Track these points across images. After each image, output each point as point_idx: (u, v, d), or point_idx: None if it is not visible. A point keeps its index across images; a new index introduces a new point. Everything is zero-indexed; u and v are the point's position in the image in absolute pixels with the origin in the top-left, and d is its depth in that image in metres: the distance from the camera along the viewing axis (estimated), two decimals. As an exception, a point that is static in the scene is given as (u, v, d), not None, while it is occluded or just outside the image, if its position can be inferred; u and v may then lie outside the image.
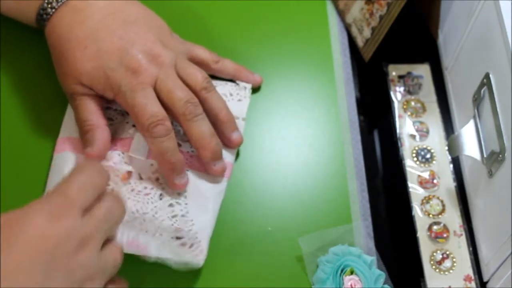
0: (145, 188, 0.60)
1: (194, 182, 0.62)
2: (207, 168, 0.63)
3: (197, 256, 0.59)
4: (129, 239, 0.58)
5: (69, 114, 0.66)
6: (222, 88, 0.68)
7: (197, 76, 0.62)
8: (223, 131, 0.63)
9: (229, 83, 0.69)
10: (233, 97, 0.67)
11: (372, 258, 0.61)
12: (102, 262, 0.49)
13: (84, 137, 0.61)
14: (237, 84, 0.69)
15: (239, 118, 0.66)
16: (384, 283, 0.60)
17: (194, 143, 0.61)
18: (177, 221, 0.59)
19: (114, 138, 0.63)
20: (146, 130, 0.59)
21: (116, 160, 0.62)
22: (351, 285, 0.59)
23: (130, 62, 0.60)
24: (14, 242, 0.45)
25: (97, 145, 0.61)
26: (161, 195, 0.61)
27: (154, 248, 0.58)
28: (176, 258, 0.58)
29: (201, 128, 0.61)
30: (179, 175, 0.61)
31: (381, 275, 0.60)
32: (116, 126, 0.64)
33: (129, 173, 0.61)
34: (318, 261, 0.61)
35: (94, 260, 0.48)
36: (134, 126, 0.63)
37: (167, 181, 0.61)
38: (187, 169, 0.62)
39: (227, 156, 0.64)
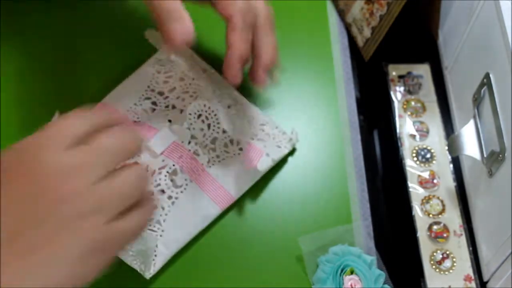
0: (152, 183, 0.61)
1: (190, 196, 0.62)
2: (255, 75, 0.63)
3: (145, 271, 0.59)
4: None
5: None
6: (268, 127, 0.67)
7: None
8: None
9: (276, 129, 0.68)
10: (275, 141, 0.66)
11: (372, 258, 0.61)
12: (106, 191, 0.44)
13: (171, 27, 0.56)
14: (284, 133, 0.67)
15: (269, 156, 0.64)
16: (384, 283, 0.60)
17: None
18: (150, 226, 0.60)
19: (144, 123, 0.63)
20: (237, 13, 0.58)
21: None
22: (351, 285, 0.59)
23: None
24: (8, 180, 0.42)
25: (187, 21, 0.56)
26: (162, 191, 0.61)
27: None
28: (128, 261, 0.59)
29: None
30: (242, 69, 0.60)
31: (381, 275, 0.60)
32: (150, 116, 0.64)
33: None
34: (318, 261, 0.61)
35: (86, 193, 0.43)
36: (170, 121, 0.64)
37: (228, 72, 0.60)
38: (190, 180, 0.62)
39: (232, 189, 0.64)
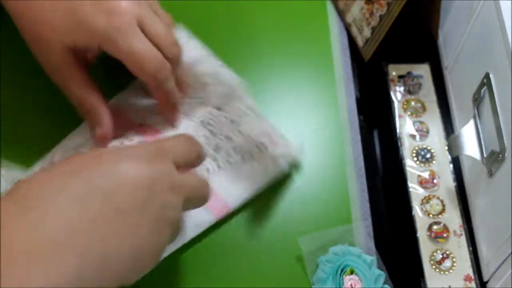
0: None
1: None
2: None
3: None
4: None
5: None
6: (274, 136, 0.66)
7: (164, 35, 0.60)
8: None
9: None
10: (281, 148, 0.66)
11: (372, 258, 0.61)
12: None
13: (86, 117, 0.60)
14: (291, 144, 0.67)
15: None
16: (384, 283, 0.60)
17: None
18: None
19: (149, 125, 0.63)
20: (152, 77, 0.58)
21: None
22: (351, 285, 0.59)
23: (108, 4, 0.55)
24: (103, 183, 0.45)
25: (105, 125, 0.59)
26: None
27: None
28: None
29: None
30: (177, 110, 0.62)
31: (381, 275, 0.60)
32: (156, 118, 0.64)
33: None
34: (318, 261, 0.61)
35: (178, 208, 0.49)
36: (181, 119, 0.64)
37: (171, 120, 0.62)
38: None
39: (230, 199, 0.63)
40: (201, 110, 0.63)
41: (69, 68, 0.59)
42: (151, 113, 0.65)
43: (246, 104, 0.66)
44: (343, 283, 0.59)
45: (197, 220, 0.61)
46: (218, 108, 0.63)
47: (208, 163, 0.63)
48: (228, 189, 0.63)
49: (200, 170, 0.62)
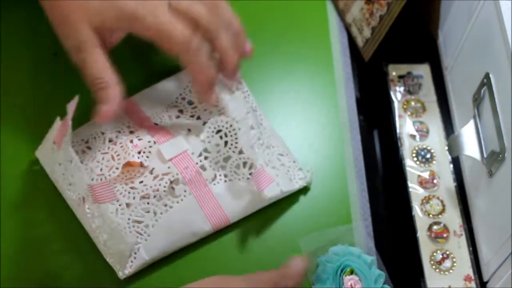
0: (151, 187, 0.60)
1: (185, 208, 0.61)
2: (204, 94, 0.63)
3: (119, 270, 0.60)
4: None
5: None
6: (286, 159, 0.66)
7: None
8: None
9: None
10: (289, 174, 0.65)
11: (372, 258, 0.61)
12: None
13: (97, 94, 0.60)
14: (300, 169, 0.66)
15: (279, 186, 0.63)
16: (384, 283, 0.60)
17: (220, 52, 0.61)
18: (137, 227, 0.60)
19: (163, 127, 0.63)
20: (184, 49, 0.58)
21: (142, 144, 0.62)
22: (351, 285, 0.59)
23: None
24: None
25: (112, 104, 0.59)
26: (160, 197, 0.61)
27: None
28: None
29: (226, 42, 0.61)
30: (213, 90, 0.61)
31: (381, 275, 0.60)
32: (172, 122, 0.65)
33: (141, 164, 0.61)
34: (318, 261, 0.61)
35: None
36: (189, 130, 0.64)
37: (206, 98, 0.62)
38: (190, 193, 0.61)
39: (229, 213, 0.63)
40: (220, 118, 0.63)
41: (92, 48, 0.59)
42: (170, 116, 0.65)
43: (265, 125, 0.66)
44: (343, 283, 0.59)
45: (194, 228, 0.61)
46: (235, 118, 0.62)
47: (216, 170, 0.62)
48: (231, 204, 0.62)
49: (206, 175, 0.62)
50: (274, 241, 0.63)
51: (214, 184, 0.62)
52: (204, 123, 0.64)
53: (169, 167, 0.61)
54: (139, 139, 0.62)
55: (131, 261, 0.59)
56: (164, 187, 0.61)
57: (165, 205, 0.61)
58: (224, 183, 0.63)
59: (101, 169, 0.60)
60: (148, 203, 0.60)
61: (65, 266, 0.61)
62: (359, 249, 0.61)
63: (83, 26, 0.59)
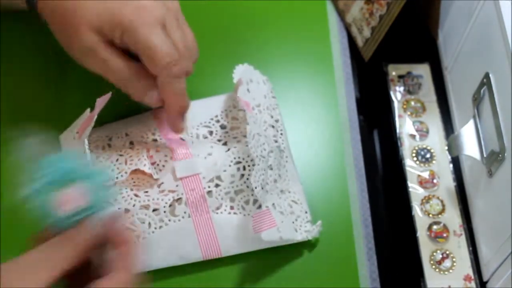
0: (153, 199, 0.60)
1: (180, 229, 0.60)
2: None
3: None
4: None
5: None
6: (297, 208, 0.64)
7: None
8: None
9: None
10: (295, 223, 0.63)
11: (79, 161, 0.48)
12: None
13: (132, 86, 0.60)
14: (309, 221, 0.64)
15: (280, 232, 0.60)
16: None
17: (173, 95, 0.60)
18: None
19: (185, 144, 0.63)
20: (164, 72, 0.58)
21: (158, 157, 0.62)
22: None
23: (138, 1, 0.58)
24: None
25: (156, 99, 0.60)
26: (157, 210, 0.60)
27: None
28: None
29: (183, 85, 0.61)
30: (182, 119, 0.61)
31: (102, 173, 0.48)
32: (197, 141, 0.64)
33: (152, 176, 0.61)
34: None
35: None
36: (209, 154, 0.62)
37: (173, 125, 0.61)
38: (189, 216, 0.60)
39: (223, 246, 0.61)
40: (243, 150, 0.62)
41: (103, 46, 0.59)
42: (197, 135, 0.65)
43: (288, 168, 0.65)
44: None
45: (183, 252, 0.60)
46: (258, 156, 0.60)
47: (223, 200, 0.61)
48: (228, 237, 0.61)
49: (210, 202, 0.61)
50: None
51: (217, 213, 0.61)
52: (228, 150, 0.63)
53: (177, 185, 0.61)
54: (156, 151, 0.62)
55: None
56: (166, 203, 0.60)
57: (162, 221, 0.60)
58: (228, 214, 0.61)
59: (112, 170, 0.60)
60: (145, 214, 0.60)
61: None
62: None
63: (85, 29, 0.59)
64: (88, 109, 0.61)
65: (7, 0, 0.66)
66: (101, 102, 0.59)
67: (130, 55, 0.60)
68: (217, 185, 0.61)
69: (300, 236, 0.62)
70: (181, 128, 0.62)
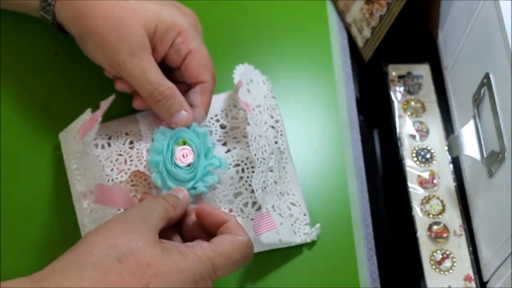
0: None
1: None
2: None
3: None
4: None
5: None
6: (297, 210, 0.64)
7: None
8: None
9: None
10: (294, 225, 0.63)
11: (204, 130, 0.61)
12: None
13: (166, 103, 0.60)
14: (308, 224, 0.64)
15: (279, 235, 0.61)
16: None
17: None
18: None
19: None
20: (212, 78, 0.63)
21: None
22: (183, 155, 0.59)
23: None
24: None
25: (189, 109, 0.61)
26: None
27: None
28: None
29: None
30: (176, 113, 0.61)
31: (214, 144, 0.61)
32: None
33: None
34: (154, 133, 0.61)
35: None
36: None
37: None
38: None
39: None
40: (242, 152, 0.62)
41: (148, 54, 0.60)
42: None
43: (288, 169, 0.65)
44: (175, 153, 0.59)
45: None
46: (259, 159, 0.60)
47: (221, 203, 0.61)
48: None
49: (206, 201, 0.61)
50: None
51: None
52: (228, 151, 0.63)
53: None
54: None
55: None
56: None
57: None
58: None
59: (111, 169, 0.60)
60: None
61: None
62: (194, 123, 0.62)
63: (139, 29, 0.59)
64: (89, 109, 0.61)
65: (18, 8, 0.67)
66: (105, 103, 0.59)
67: None
68: (215, 188, 0.61)
69: (299, 239, 0.62)
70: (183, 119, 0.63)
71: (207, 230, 0.55)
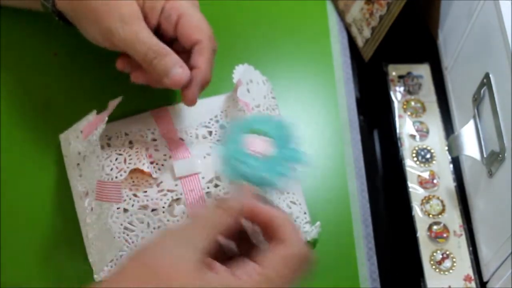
0: (152, 199, 0.60)
1: None
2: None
3: (95, 271, 0.59)
4: None
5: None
6: (296, 209, 0.64)
7: None
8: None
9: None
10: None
11: (279, 121, 0.56)
12: None
13: (161, 60, 0.59)
14: (308, 222, 0.64)
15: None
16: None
17: None
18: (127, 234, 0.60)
19: (184, 144, 0.63)
20: (209, 39, 0.62)
21: (157, 156, 0.61)
22: (256, 145, 0.54)
23: None
24: None
25: (185, 66, 0.60)
26: (156, 210, 0.60)
27: None
28: None
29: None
30: (189, 87, 0.60)
31: (292, 137, 0.55)
32: (196, 141, 0.64)
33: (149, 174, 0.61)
34: (227, 125, 0.59)
35: None
36: (208, 154, 0.62)
37: (192, 95, 0.60)
38: (187, 216, 0.60)
39: None
40: None
41: (139, 20, 0.60)
42: (197, 135, 0.64)
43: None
44: (244, 142, 0.54)
45: None
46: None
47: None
48: None
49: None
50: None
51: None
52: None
53: (176, 185, 0.60)
54: (155, 150, 0.62)
55: (111, 266, 0.59)
56: (165, 203, 0.60)
57: (160, 221, 0.60)
58: None
59: (111, 169, 0.60)
60: (144, 214, 0.60)
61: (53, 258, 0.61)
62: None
63: None
64: (95, 111, 0.61)
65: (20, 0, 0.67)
66: (113, 103, 0.59)
67: None
68: (216, 185, 0.61)
69: None
70: (196, 100, 0.61)
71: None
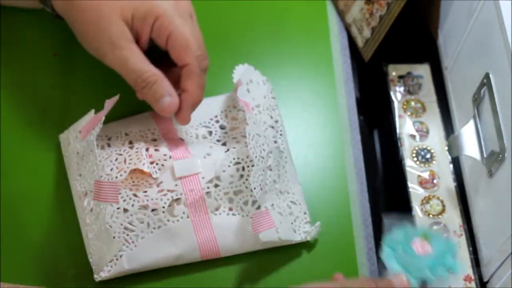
0: (152, 199, 0.60)
1: (179, 230, 0.60)
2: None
3: (95, 272, 0.60)
4: None
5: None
6: (297, 209, 0.64)
7: None
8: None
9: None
10: (294, 224, 0.63)
11: (439, 236, 0.60)
12: None
13: (150, 89, 0.60)
14: (308, 222, 0.64)
15: (278, 233, 0.60)
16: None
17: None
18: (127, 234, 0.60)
19: (183, 144, 0.63)
20: (196, 59, 0.61)
21: (157, 156, 0.61)
22: (420, 245, 0.58)
23: None
24: None
25: (174, 94, 0.60)
26: (156, 210, 0.60)
27: None
28: None
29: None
30: (183, 111, 0.61)
31: (453, 248, 0.59)
32: (196, 141, 0.64)
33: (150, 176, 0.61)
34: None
35: None
36: (208, 154, 0.62)
37: (185, 117, 0.62)
38: (187, 216, 0.60)
39: (222, 247, 0.61)
40: (242, 150, 0.62)
41: (129, 43, 0.60)
42: (197, 135, 0.65)
43: (287, 169, 0.65)
44: (413, 243, 0.59)
45: (182, 252, 0.60)
46: (257, 157, 0.59)
47: (222, 201, 0.61)
48: (227, 238, 0.61)
49: (209, 203, 0.61)
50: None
51: (216, 214, 0.61)
52: (227, 150, 0.63)
53: (176, 185, 0.60)
54: (155, 150, 0.62)
55: (111, 266, 0.59)
56: (165, 203, 0.60)
57: (160, 221, 0.60)
58: (226, 216, 0.61)
59: (111, 169, 0.60)
60: (144, 214, 0.60)
61: (54, 259, 0.62)
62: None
63: (117, 18, 0.60)
64: (93, 110, 0.61)
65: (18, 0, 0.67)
66: (109, 103, 0.59)
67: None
68: (216, 186, 0.61)
69: (298, 237, 0.62)
70: (189, 120, 0.62)
71: None
